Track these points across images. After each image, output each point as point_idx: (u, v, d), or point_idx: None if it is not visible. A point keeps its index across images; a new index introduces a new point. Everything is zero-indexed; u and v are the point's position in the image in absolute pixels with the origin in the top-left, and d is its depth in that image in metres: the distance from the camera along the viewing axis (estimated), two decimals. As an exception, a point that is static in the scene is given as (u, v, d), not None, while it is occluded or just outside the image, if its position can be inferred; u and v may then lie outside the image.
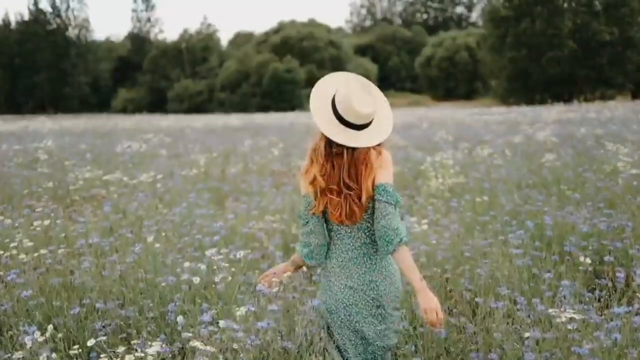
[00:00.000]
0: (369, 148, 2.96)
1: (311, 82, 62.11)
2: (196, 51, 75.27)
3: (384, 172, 2.97)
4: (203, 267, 4.08)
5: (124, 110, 67.53)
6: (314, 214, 3.05)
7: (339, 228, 3.06)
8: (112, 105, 71.78)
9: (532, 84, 55.40)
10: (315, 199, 3.02)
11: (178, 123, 28.59)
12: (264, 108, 56.87)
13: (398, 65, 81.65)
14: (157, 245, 5.02)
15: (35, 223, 5.85)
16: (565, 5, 57.01)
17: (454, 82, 72.30)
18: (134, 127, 24.40)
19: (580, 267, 4.76)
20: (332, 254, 3.11)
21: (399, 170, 9.78)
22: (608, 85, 53.82)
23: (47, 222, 5.88)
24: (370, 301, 3.03)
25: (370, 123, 2.98)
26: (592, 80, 53.67)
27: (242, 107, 60.05)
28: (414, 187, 9.25)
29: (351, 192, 2.95)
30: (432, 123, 22.02)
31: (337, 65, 68.89)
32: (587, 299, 3.93)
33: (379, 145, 3.02)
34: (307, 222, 3.09)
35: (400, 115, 32.19)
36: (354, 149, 2.94)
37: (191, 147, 14.14)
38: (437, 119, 25.33)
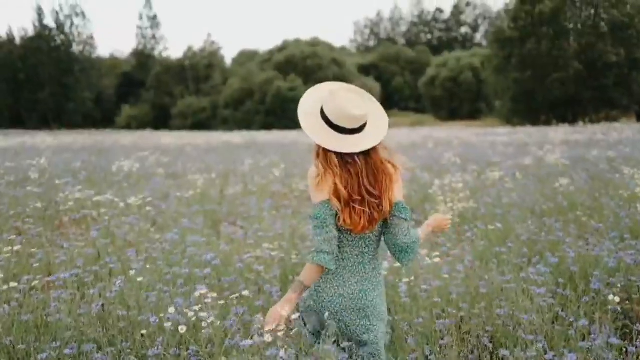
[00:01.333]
0: (379, 153, 2.98)
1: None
2: (200, 68, 75.22)
3: (399, 188, 3.08)
4: (191, 314, 3.58)
5: (127, 126, 67.54)
6: (341, 225, 2.95)
7: (340, 236, 3.01)
8: (116, 121, 71.68)
9: (536, 105, 55.07)
10: (340, 209, 2.94)
11: (179, 140, 28.13)
12: (267, 126, 56.61)
13: (402, 85, 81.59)
14: (143, 278, 4.55)
15: (15, 248, 5.39)
16: (571, 26, 56.83)
17: (457, 102, 72.00)
18: (133, 145, 23.95)
19: (609, 307, 4.29)
20: None
21: (405, 193, 9.32)
22: (613, 107, 53.49)
23: (29, 248, 5.42)
24: (357, 311, 3.02)
25: (365, 126, 2.96)
26: (596, 102, 53.30)
27: (246, 124, 59.85)
28: (421, 211, 8.76)
29: (372, 199, 2.95)
30: (438, 143, 21.56)
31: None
32: (628, 353, 3.45)
33: (378, 146, 2.99)
34: (327, 226, 2.92)
35: (405, 134, 31.77)
36: (366, 155, 2.94)
37: (190, 167, 13.66)
38: (442, 139, 24.87)
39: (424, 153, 16.55)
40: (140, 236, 6.41)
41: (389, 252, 3.18)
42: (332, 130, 2.92)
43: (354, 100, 2.92)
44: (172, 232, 6.30)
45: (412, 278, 4.79)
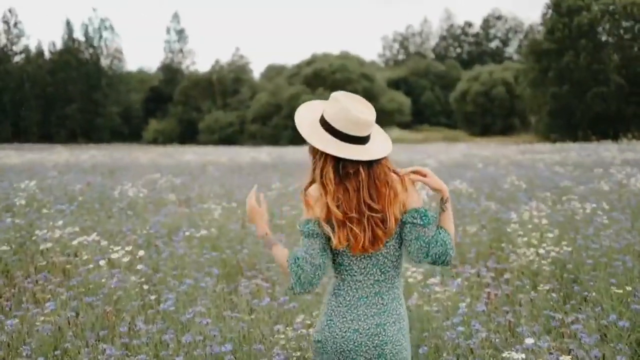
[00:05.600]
0: (386, 168, 2.66)
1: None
2: (227, 82, 74.42)
3: (415, 196, 2.69)
4: None
5: (154, 141, 67.18)
6: (337, 247, 2.62)
7: (350, 262, 2.67)
8: (143, 135, 71.19)
9: (575, 121, 52.90)
10: (332, 230, 2.60)
11: (202, 157, 26.28)
12: (295, 141, 55.16)
13: (432, 100, 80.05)
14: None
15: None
16: (608, 39, 54.80)
17: (490, 117, 69.90)
18: (152, 163, 22.18)
19: None
20: (339, 291, 2.70)
21: (473, 230, 7.38)
22: (656, 123, 51.19)
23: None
24: (373, 349, 2.63)
25: (369, 137, 2.67)
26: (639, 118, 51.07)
27: (274, 139, 58.58)
28: (498, 257, 6.81)
29: (374, 214, 2.60)
30: (486, 163, 19.50)
31: (370, 98, 67.45)
32: None
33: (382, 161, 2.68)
34: (312, 243, 2.62)
35: (442, 151, 29.88)
36: (369, 167, 2.62)
37: (208, 191, 11.79)
38: (488, 158, 22.74)
39: (475, 175, 14.50)
40: (127, 299, 4.59)
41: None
42: (335, 138, 2.62)
43: (360, 106, 2.65)
44: (172, 296, 4.46)
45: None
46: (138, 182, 11.74)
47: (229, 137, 64.23)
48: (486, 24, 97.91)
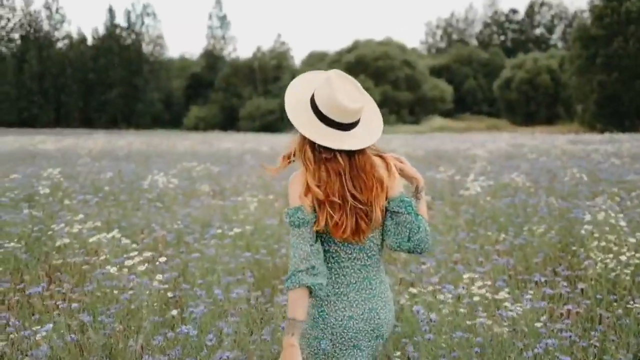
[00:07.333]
0: (370, 156, 2.56)
1: (386, 102, 59.89)
2: (269, 69, 73.90)
3: (398, 182, 2.61)
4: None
5: (195, 127, 67.09)
6: (317, 231, 2.49)
7: (337, 249, 2.57)
8: (184, 122, 71.19)
9: (623, 109, 51.15)
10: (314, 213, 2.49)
11: (242, 145, 25.66)
12: (337, 128, 54.45)
13: (474, 88, 78.49)
14: None
15: None
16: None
17: (534, 106, 68.19)
18: (190, 150, 21.59)
19: None
20: (327, 279, 2.56)
21: (540, 230, 6.54)
22: None
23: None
24: (370, 332, 2.60)
25: (357, 123, 2.55)
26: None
27: (315, 126, 57.89)
28: (568, 263, 5.98)
29: (358, 204, 2.50)
30: (536, 153, 18.47)
31: (412, 85, 66.38)
32: None
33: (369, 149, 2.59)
34: (304, 237, 2.46)
35: (489, 141, 28.87)
36: (351, 154, 2.50)
37: (245, 181, 11.10)
38: (536, 147, 21.66)
39: (529, 166, 13.57)
40: (145, 314, 3.93)
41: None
42: (319, 121, 2.50)
43: (350, 92, 2.50)
44: (197, 310, 3.78)
45: None
46: (172, 171, 11.09)
47: (270, 124, 63.81)
48: (531, 10, 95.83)
